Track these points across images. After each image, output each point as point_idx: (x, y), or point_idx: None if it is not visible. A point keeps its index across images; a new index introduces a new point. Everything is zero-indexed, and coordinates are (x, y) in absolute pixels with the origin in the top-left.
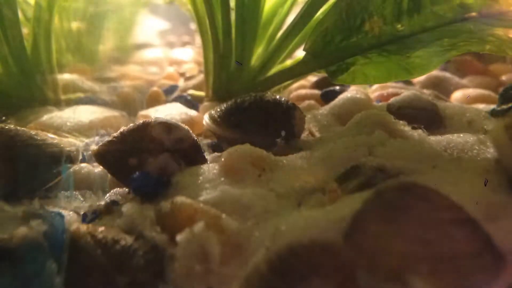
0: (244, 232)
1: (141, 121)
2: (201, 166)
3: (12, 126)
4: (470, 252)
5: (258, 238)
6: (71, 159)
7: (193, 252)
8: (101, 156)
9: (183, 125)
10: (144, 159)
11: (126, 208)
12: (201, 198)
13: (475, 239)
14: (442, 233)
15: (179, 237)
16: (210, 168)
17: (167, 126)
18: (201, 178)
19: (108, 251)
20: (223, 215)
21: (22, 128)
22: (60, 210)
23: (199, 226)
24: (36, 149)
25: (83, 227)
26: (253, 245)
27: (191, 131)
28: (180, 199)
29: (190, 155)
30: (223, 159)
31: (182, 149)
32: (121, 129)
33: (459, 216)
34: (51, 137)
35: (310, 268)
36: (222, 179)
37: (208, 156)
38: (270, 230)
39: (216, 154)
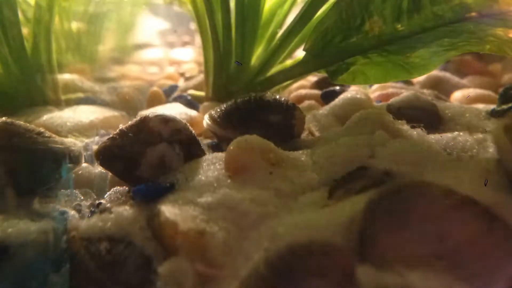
0: (231, 245)
1: (139, 117)
2: (205, 164)
3: (21, 122)
4: (481, 230)
5: (245, 250)
6: (75, 159)
7: (174, 284)
8: (102, 154)
9: (180, 119)
10: (143, 150)
11: (122, 212)
12: (201, 200)
13: (482, 216)
14: (450, 220)
15: (160, 269)
16: (216, 165)
17: (164, 119)
18: (203, 178)
19: (100, 261)
20: (208, 228)
21: (32, 125)
22: (62, 209)
23: (177, 260)
24: (44, 147)
25: (78, 237)
26: (240, 259)
27: (188, 125)
28: (164, 215)
29: (189, 146)
30: (231, 147)
31: (180, 139)
32: (120, 127)
33: (457, 199)
34: (56, 137)
35: (309, 269)
36: (228, 180)
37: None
38: (263, 239)
39: (216, 154)
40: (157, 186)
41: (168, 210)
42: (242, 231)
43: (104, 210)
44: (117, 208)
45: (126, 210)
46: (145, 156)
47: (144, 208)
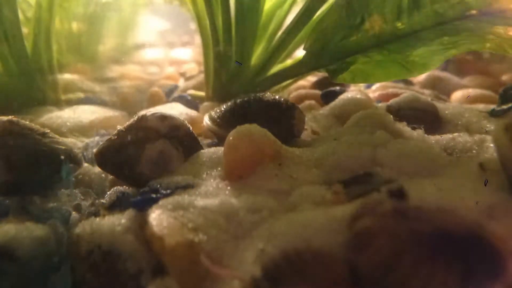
0: (222, 255)
1: (136, 117)
2: (204, 161)
3: (26, 122)
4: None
5: (238, 258)
6: (76, 160)
7: None
8: (101, 156)
9: (177, 116)
10: (142, 147)
11: (117, 220)
12: (198, 204)
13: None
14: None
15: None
16: (215, 161)
17: (162, 116)
18: (201, 179)
19: (94, 270)
20: (196, 238)
21: (36, 125)
22: (64, 211)
23: (164, 283)
24: (48, 148)
25: (74, 244)
26: (232, 267)
27: (186, 122)
28: (151, 229)
29: (188, 142)
30: (231, 138)
31: (178, 136)
32: (118, 127)
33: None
34: (59, 137)
35: (304, 275)
36: (228, 188)
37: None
38: (258, 244)
39: (217, 148)
40: (155, 193)
41: (156, 221)
42: (236, 239)
43: (101, 216)
44: (113, 216)
45: (121, 218)
46: (144, 153)
47: (139, 215)
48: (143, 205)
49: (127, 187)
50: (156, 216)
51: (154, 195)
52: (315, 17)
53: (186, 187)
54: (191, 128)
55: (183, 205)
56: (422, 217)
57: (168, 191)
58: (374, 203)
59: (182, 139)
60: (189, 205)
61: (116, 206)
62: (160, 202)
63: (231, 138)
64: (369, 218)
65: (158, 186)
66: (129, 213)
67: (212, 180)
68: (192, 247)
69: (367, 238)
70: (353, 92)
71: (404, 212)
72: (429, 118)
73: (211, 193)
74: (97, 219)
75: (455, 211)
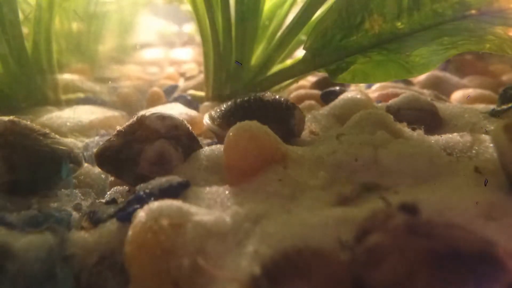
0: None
1: (136, 117)
2: (204, 161)
3: (27, 122)
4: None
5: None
6: (77, 160)
7: None
8: (100, 157)
9: (176, 116)
10: (141, 148)
11: (110, 227)
12: (194, 212)
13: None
14: None
15: None
16: (215, 161)
17: (161, 116)
18: (199, 182)
19: (87, 277)
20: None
21: (37, 126)
22: (64, 212)
23: None
24: (48, 148)
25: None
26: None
27: (185, 121)
28: (127, 248)
29: (187, 142)
30: (231, 134)
31: (177, 135)
32: (118, 128)
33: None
34: (60, 138)
35: (303, 275)
36: (226, 192)
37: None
38: (252, 248)
39: (216, 147)
40: (140, 201)
41: (131, 236)
42: (231, 247)
43: (96, 223)
44: (107, 223)
45: (112, 225)
46: (144, 153)
47: (124, 226)
48: (127, 217)
49: (127, 187)
50: (134, 228)
51: (138, 205)
52: (315, 17)
53: (177, 189)
54: (191, 128)
55: (170, 211)
56: (433, 233)
57: (152, 198)
58: (385, 216)
59: (182, 139)
60: (178, 211)
61: (95, 219)
62: (145, 207)
63: (231, 134)
64: (380, 233)
65: (142, 193)
66: (111, 225)
67: (211, 181)
68: (162, 271)
69: (378, 255)
70: (353, 92)
71: (415, 228)
72: (429, 118)
73: (209, 196)
74: (82, 231)
75: (465, 226)
